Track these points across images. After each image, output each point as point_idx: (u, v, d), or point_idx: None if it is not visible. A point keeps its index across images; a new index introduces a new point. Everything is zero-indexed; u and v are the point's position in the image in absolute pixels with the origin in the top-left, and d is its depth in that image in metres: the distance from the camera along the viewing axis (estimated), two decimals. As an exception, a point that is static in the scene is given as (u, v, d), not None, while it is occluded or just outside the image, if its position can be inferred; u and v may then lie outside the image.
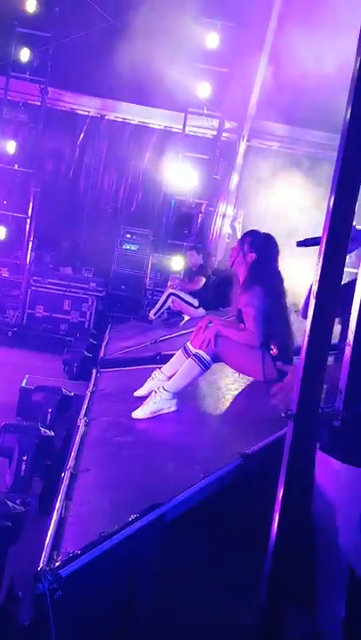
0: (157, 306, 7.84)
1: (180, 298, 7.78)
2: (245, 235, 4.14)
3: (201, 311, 7.70)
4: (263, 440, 2.79)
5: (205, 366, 3.63)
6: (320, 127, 9.11)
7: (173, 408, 3.62)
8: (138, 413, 3.64)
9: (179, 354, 3.91)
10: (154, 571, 2.18)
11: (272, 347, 3.73)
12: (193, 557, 2.39)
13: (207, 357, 3.62)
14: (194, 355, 3.66)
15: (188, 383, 3.66)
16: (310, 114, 8.69)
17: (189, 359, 3.68)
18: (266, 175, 9.88)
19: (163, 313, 7.92)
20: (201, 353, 3.63)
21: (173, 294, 7.78)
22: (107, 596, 2.05)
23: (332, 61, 6.75)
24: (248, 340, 3.72)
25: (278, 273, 3.92)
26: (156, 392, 3.67)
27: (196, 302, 7.76)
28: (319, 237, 1.98)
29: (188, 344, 3.84)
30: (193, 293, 7.83)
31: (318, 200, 7.43)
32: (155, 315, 7.77)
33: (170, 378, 3.77)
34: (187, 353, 3.81)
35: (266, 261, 3.89)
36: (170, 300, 7.77)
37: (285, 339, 3.78)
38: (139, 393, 3.98)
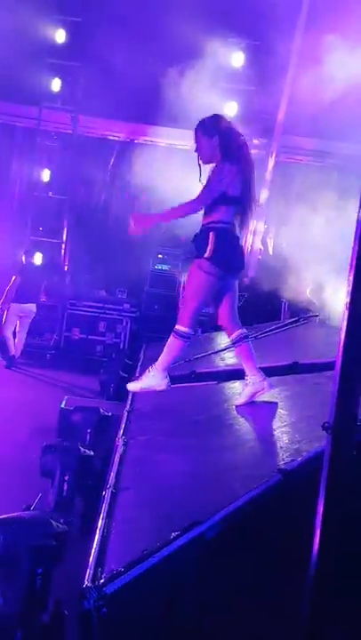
0: None
1: None
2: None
3: None
4: (303, 455, 2.77)
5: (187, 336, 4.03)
6: (350, 139, 9.08)
7: (267, 389, 3.93)
8: (240, 400, 3.99)
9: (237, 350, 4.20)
10: (195, 588, 2.18)
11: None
12: (233, 575, 2.38)
13: (186, 329, 4.00)
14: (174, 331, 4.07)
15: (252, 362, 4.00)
16: (340, 126, 8.67)
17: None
18: (296, 190, 9.88)
19: None
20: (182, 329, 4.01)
21: None
22: (150, 612, 2.06)
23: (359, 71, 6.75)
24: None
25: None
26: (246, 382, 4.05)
27: None
28: None
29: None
30: None
31: (350, 212, 7.36)
32: None
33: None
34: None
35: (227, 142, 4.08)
36: None
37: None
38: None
